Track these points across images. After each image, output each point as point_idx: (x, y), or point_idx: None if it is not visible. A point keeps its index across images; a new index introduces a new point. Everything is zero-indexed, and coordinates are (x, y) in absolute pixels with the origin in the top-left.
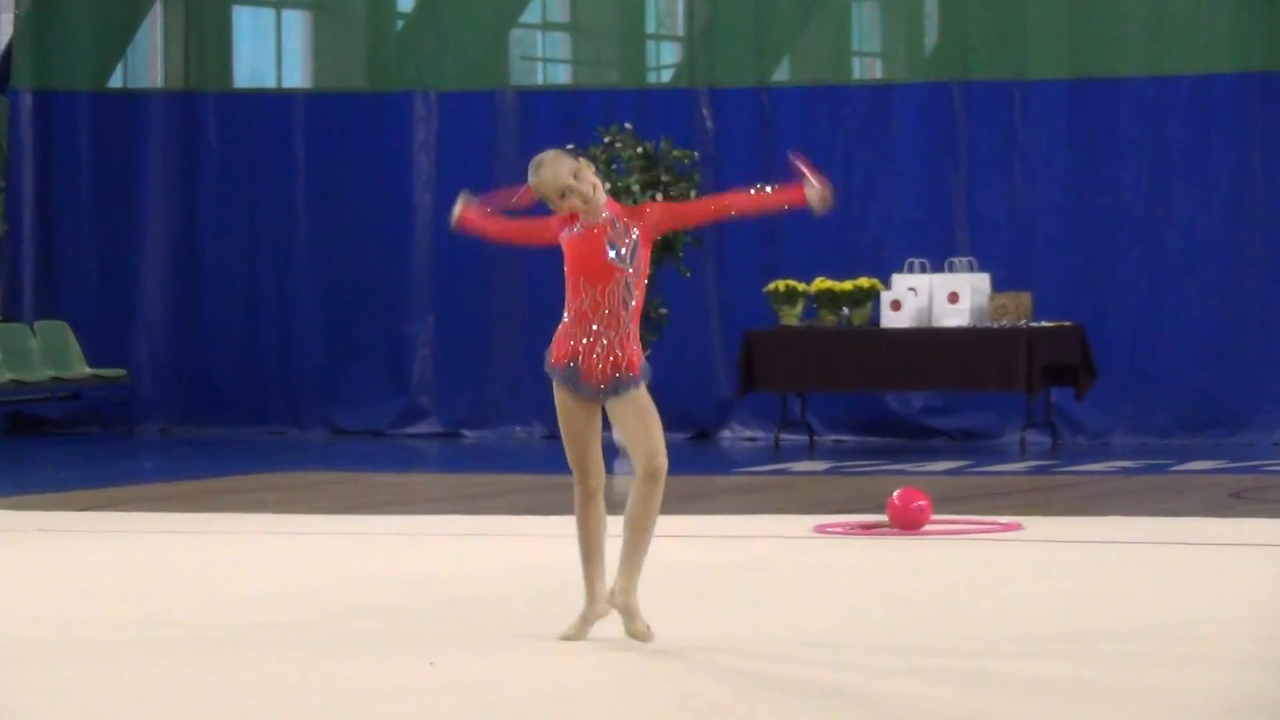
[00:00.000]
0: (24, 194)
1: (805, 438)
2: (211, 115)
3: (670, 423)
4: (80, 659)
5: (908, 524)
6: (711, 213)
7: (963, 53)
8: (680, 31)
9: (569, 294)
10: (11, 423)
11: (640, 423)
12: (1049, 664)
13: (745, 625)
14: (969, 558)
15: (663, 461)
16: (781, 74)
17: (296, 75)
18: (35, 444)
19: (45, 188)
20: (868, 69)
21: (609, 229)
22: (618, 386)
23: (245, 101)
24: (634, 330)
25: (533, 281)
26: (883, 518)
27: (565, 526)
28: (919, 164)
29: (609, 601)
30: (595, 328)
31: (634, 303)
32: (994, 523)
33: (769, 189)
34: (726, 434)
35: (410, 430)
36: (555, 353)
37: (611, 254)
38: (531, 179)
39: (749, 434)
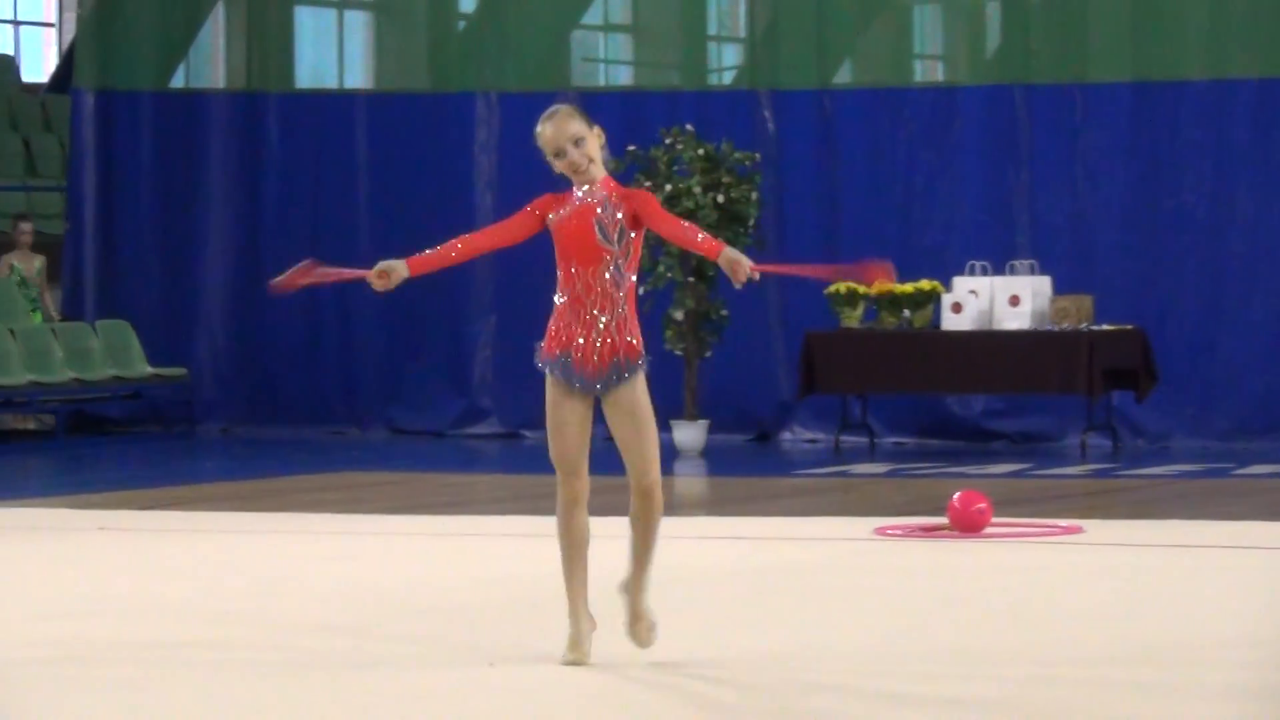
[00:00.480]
0: (86, 194)
1: (866, 440)
2: (273, 115)
3: (731, 424)
4: (139, 659)
5: (968, 527)
6: (672, 231)
7: (1024, 56)
8: (742, 33)
9: (561, 280)
10: (73, 421)
11: (634, 430)
12: (1116, 669)
13: (803, 629)
14: (1029, 561)
15: (653, 481)
16: (843, 76)
17: (358, 76)
18: (96, 443)
19: (107, 187)
20: (929, 72)
21: (598, 209)
22: (617, 374)
23: (307, 102)
24: (631, 315)
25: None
26: (943, 520)
27: (624, 528)
28: (980, 167)
29: (618, 590)
30: (590, 314)
31: (626, 285)
32: (1055, 526)
33: (701, 238)
34: (787, 435)
35: (471, 431)
36: (548, 344)
37: (599, 235)
38: (538, 128)
39: (809, 436)
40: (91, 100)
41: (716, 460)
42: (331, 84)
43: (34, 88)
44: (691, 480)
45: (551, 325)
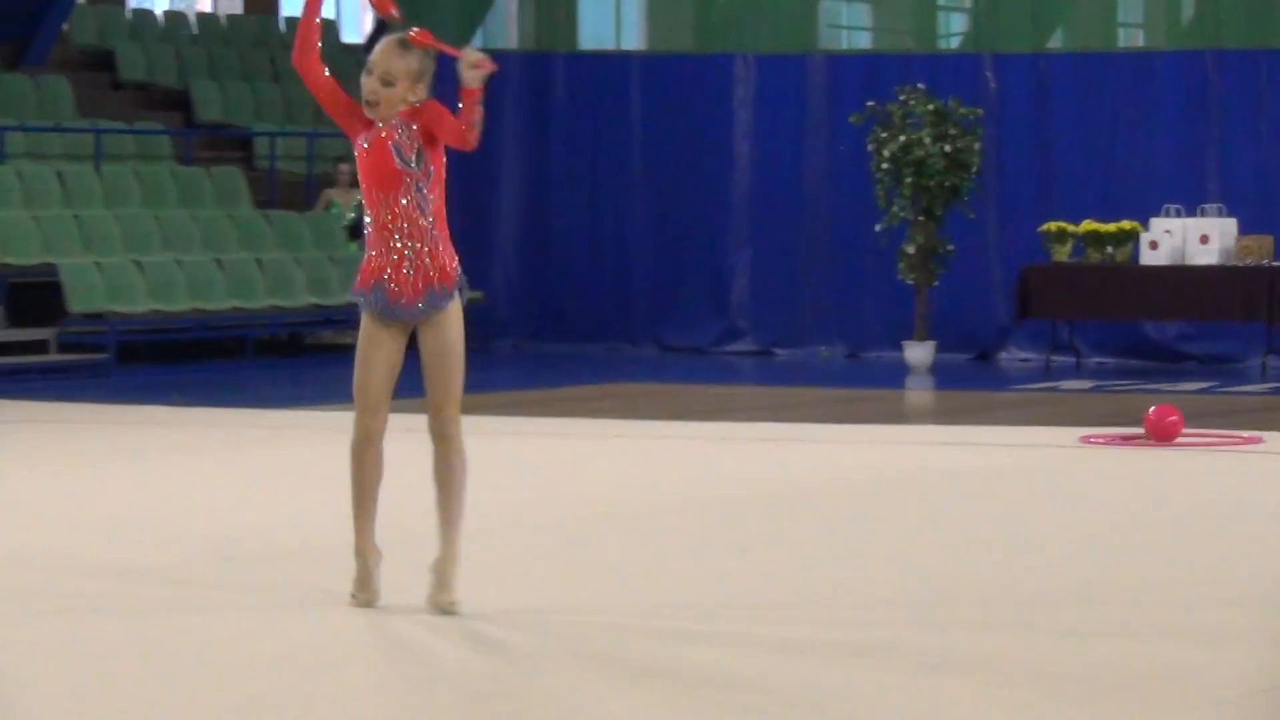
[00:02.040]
0: None
1: (1073, 360)
2: (559, 73)
3: (955, 344)
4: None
5: (1162, 436)
6: (453, 127)
7: (1215, 24)
8: (968, 3)
9: (368, 210)
10: None
11: (440, 358)
12: None
13: (1013, 523)
14: (1215, 467)
15: (449, 418)
16: (1055, 42)
17: (634, 38)
18: (406, 357)
19: None
20: (1131, 38)
21: (395, 133)
22: (432, 301)
23: (589, 61)
24: (443, 238)
25: (837, 219)
26: (1140, 430)
27: (869, 434)
28: (1176, 123)
29: (430, 569)
30: (398, 242)
31: (433, 208)
32: (1238, 436)
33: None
34: (1004, 355)
35: (729, 348)
36: (361, 277)
37: (397, 159)
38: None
39: (1024, 355)
40: None
41: (942, 376)
42: (610, 45)
43: (352, 48)
44: (921, 393)
45: (364, 258)
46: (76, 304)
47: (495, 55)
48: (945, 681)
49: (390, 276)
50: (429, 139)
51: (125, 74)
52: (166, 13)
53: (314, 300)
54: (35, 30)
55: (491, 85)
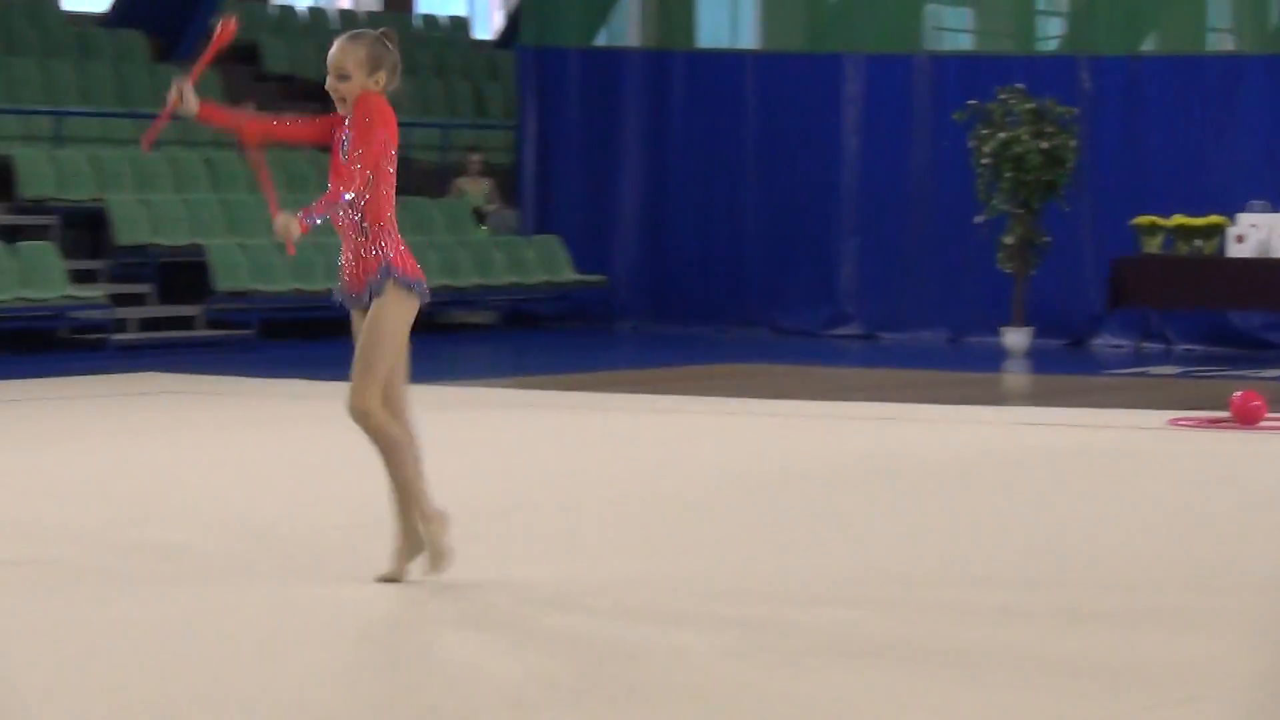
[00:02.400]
0: (528, 133)
1: (1162, 346)
2: (678, 70)
3: (1050, 330)
4: (576, 506)
5: (1247, 419)
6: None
7: None
8: (1065, 8)
9: None
10: (512, 317)
11: (360, 344)
12: None
13: (1105, 500)
14: None
15: (356, 404)
16: (1148, 45)
17: (749, 37)
18: (531, 335)
19: (544, 128)
20: (1220, 42)
21: (344, 129)
22: (371, 291)
23: (706, 59)
24: (379, 232)
25: (939, 211)
26: (1226, 414)
27: (968, 414)
28: (1262, 123)
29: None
30: (348, 235)
31: (364, 200)
32: None
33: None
34: (1097, 341)
35: (836, 332)
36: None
37: (342, 155)
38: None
39: (1115, 342)
40: (532, 55)
41: (1038, 360)
42: (726, 44)
43: (482, 45)
44: (1017, 376)
45: None
46: (223, 282)
47: (619, 52)
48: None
49: (343, 268)
50: (358, 132)
51: (270, 66)
52: (310, 9)
53: (445, 281)
54: (184, 25)
55: (614, 80)
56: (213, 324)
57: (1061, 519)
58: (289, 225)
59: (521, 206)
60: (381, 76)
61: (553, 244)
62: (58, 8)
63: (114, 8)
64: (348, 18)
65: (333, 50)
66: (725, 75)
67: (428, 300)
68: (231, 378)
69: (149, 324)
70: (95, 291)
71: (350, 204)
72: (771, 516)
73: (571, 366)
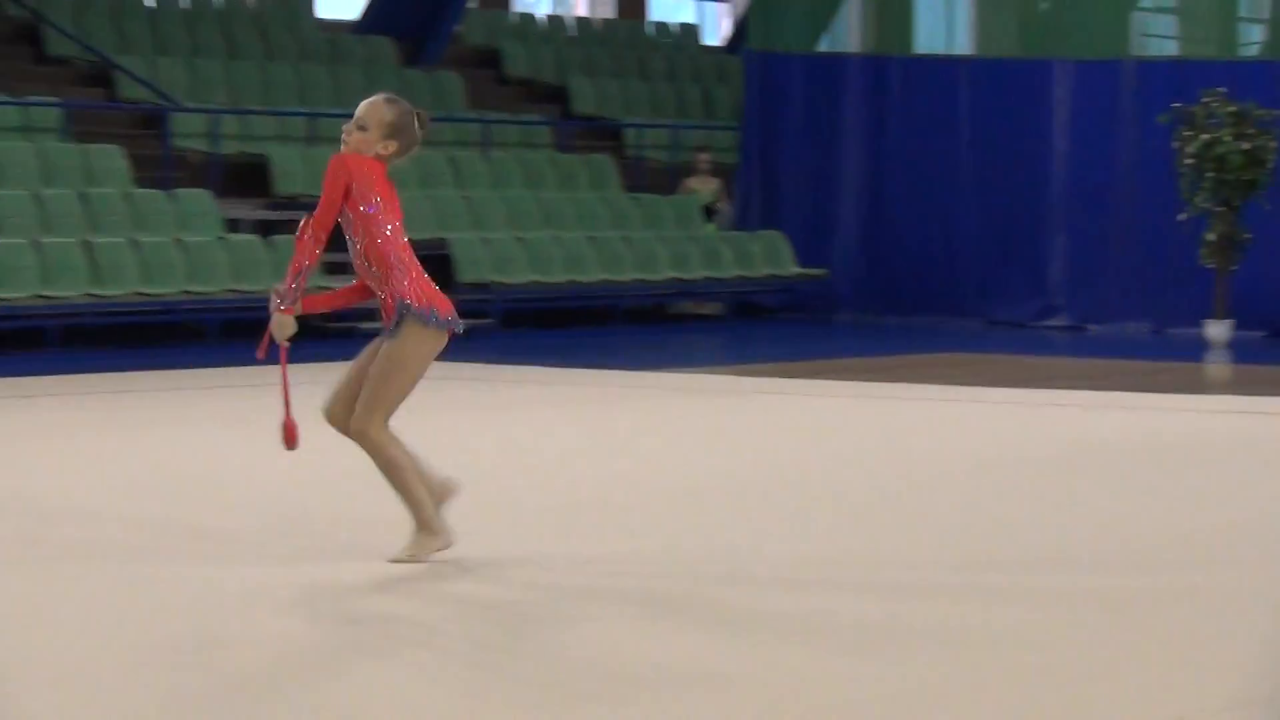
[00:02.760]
0: (753, 134)
1: None
2: (895, 74)
3: (1252, 323)
4: (801, 492)
5: None
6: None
7: None
8: (1265, 15)
9: None
10: (738, 308)
11: (382, 360)
12: None
13: None
14: None
15: (357, 428)
16: None
17: (963, 43)
18: (755, 325)
19: (768, 129)
20: None
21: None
22: (395, 325)
23: (921, 64)
24: (389, 272)
25: (1144, 208)
26: None
27: (1171, 402)
28: None
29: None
30: (366, 276)
31: (360, 249)
32: None
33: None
34: None
35: (1046, 323)
36: None
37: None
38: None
39: None
40: (758, 59)
41: (1240, 351)
42: (941, 49)
43: (711, 50)
44: (1219, 367)
45: None
46: (465, 275)
47: (839, 58)
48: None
49: (378, 304)
50: (345, 190)
51: (510, 71)
52: (549, 16)
53: (675, 274)
54: (430, 31)
55: (834, 84)
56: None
57: (1270, 497)
58: (281, 324)
59: (747, 203)
60: (392, 145)
61: (776, 239)
62: (312, 15)
63: (364, 15)
64: (584, 24)
65: (366, 101)
66: (940, 79)
67: (457, 328)
68: (473, 364)
69: None
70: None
71: (355, 253)
72: (992, 494)
73: (793, 355)
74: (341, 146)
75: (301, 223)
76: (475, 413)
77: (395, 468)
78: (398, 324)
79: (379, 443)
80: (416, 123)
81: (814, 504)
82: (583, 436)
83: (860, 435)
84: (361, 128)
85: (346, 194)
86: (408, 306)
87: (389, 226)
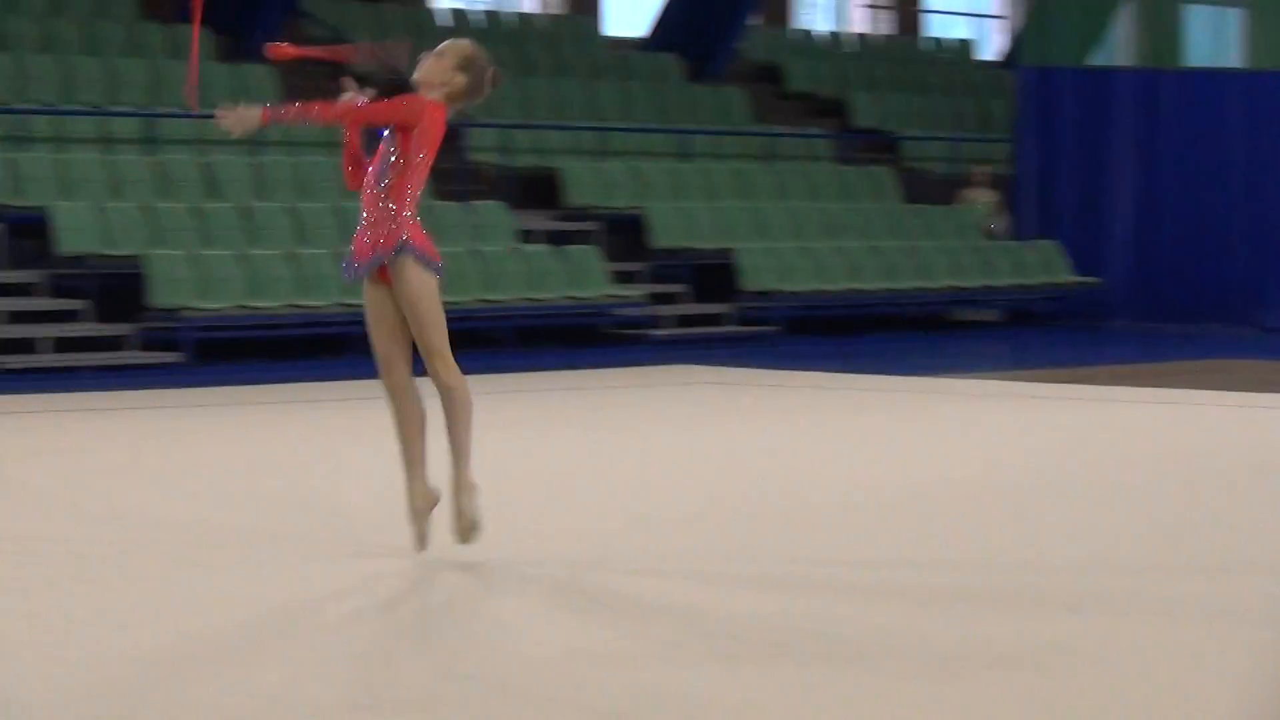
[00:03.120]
0: (1027, 146)
1: None
2: (1167, 87)
3: None
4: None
5: None
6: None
7: None
8: None
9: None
10: (1014, 316)
11: (413, 317)
12: None
13: None
14: None
15: (433, 369)
16: None
17: (1234, 56)
18: (1031, 332)
19: (1042, 141)
20: None
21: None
22: (376, 262)
23: (1193, 77)
24: (397, 212)
25: None
26: None
27: None
28: None
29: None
30: (370, 211)
31: (387, 180)
32: None
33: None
34: None
35: None
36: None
37: (385, 132)
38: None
39: None
40: (1033, 75)
41: None
42: (1212, 62)
43: (986, 65)
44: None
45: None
46: (750, 283)
47: (1111, 71)
48: None
49: (356, 241)
50: (403, 126)
51: (792, 85)
52: (830, 33)
53: (953, 283)
54: (714, 48)
55: (1107, 97)
56: (743, 321)
57: None
58: (247, 118)
59: (1022, 213)
60: (460, 79)
61: (1051, 248)
62: (600, 33)
63: (652, 32)
64: (863, 40)
65: (445, 60)
66: (1211, 92)
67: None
68: (757, 370)
69: (683, 321)
70: (635, 291)
71: (374, 178)
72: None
73: (1068, 361)
74: (416, 70)
75: (351, 100)
76: (768, 418)
77: (469, 411)
78: (395, 260)
79: (466, 388)
80: (489, 76)
81: (1121, 504)
82: (881, 437)
83: (1136, 437)
84: (439, 54)
85: (406, 129)
86: (411, 246)
87: (416, 177)
